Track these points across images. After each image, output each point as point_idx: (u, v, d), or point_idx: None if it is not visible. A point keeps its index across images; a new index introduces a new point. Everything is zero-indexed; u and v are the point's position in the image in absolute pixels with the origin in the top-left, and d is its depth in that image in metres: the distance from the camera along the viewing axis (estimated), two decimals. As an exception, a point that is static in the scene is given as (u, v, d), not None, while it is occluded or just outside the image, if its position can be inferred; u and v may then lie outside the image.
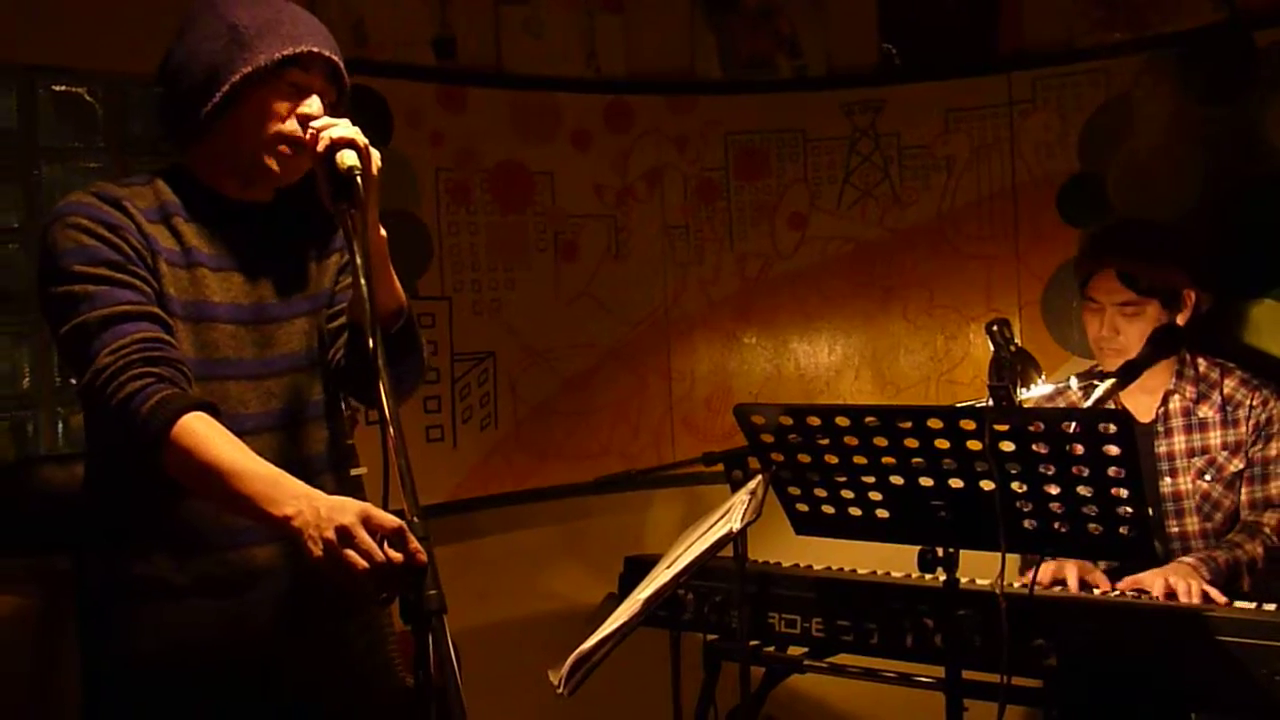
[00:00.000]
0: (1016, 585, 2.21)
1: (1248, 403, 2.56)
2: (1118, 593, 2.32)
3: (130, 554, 1.76)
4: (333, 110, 1.82)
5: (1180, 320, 2.60)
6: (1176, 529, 2.58)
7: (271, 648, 1.81)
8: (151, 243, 1.73)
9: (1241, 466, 2.54)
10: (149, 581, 1.75)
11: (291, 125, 1.76)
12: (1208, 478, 2.56)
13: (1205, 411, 2.58)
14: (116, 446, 1.68)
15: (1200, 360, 2.63)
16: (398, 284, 1.85)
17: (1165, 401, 2.61)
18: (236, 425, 1.69)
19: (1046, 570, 2.49)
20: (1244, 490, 2.54)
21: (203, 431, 1.60)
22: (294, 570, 1.79)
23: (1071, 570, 2.44)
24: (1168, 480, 2.59)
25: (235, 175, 1.82)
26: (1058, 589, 2.43)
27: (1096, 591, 2.37)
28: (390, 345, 1.81)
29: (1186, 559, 2.41)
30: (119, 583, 1.76)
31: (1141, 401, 2.64)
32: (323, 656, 1.87)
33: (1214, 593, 2.25)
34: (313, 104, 1.77)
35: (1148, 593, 2.28)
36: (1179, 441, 2.59)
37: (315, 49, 1.76)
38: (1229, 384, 2.59)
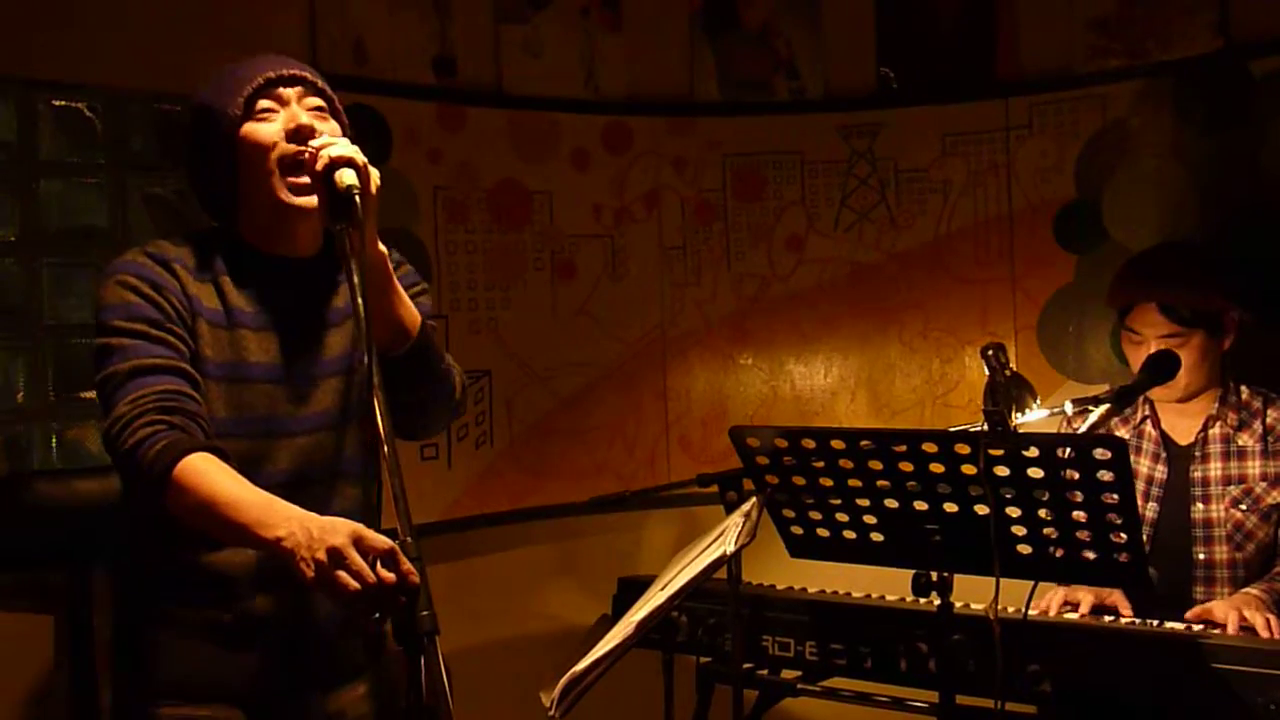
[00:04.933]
0: (1011, 610, 2.21)
1: None
2: (1181, 625, 2.25)
3: (153, 593, 1.82)
4: (333, 114, 1.84)
5: (1226, 343, 2.58)
6: (1203, 556, 2.54)
7: (279, 692, 1.83)
8: (194, 304, 1.78)
9: None
10: (168, 620, 1.81)
11: (281, 147, 1.77)
12: (1243, 507, 2.51)
13: (1245, 440, 2.55)
14: (130, 491, 1.73)
15: (1243, 388, 2.60)
16: (408, 303, 1.83)
17: (1205, 427, 2.58)
18: (267, 481, 1.73)
19: (1058, 595, 2.48)
20: None
21: (202, 468, 1.62)
22: (307, 622, 1.82)
23: (1086, 596, 2.43)
24: (1199, 506, 2.55)
25: (272, 230, 1.84)
26: (1053, 613, 2.43)
27: (1122, 619, 2.36)
28: (403, 367, 1.81)
29: (1251, 589, 2.36)
30: (143, 615, 1.83)
31: (1181, 425, 2.62)
32: (329, 708, 1.88)
33: None
34: (298, 115, 1.78)
35: (1221, 626, 2.23)
36: (1215, 468, 2.56)
37: (271, 73, 1.80)
38: (1272, 414, 2.55)
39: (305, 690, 1.85)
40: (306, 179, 1.75)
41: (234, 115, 1.78)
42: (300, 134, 1.76)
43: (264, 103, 1.79)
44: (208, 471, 1.62)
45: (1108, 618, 2.39)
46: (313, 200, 1.75)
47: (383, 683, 1.95)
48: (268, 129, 1.78)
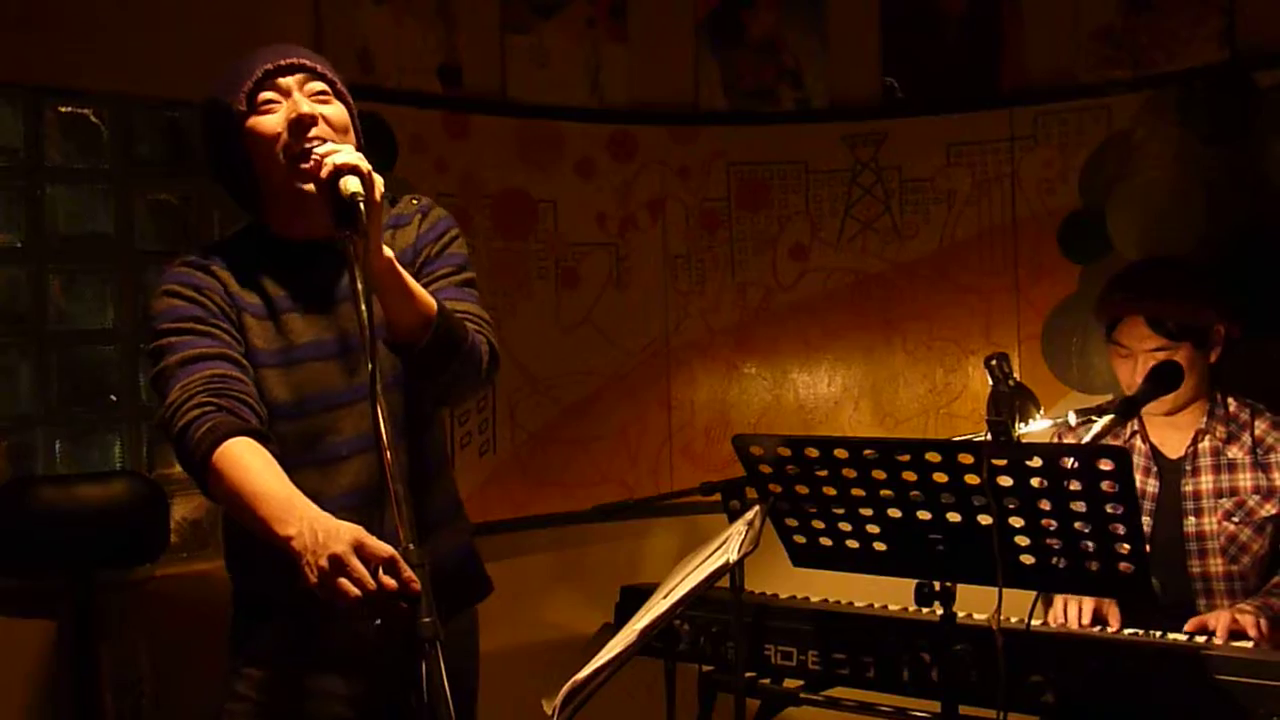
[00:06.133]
0: (1014, 620, 2.20)
1: None
2: (1184, 636, 2.25)
3: (242, 568, 1.94)
4: (337, 95, 1.87)
5: (1213, 356, 2.58)
6: (1198, 569, 2.53)
7: (359, 660, 1.89)
8: (237, 300, 1.85)
9: (1275, 511, 2.49)
10: (254, 592, 1.92)
11: (283, 140, 1.80)
12: (1236, 519, 2.51)
13: (1235, 453, 2.54)
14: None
15: (1231, 400, 2.60)
16: (422, 295, 1.82)
17: (1195, 440, 2.58)
18: (334, 452, 1.83)
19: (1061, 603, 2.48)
20: None
21: (239, 455, 1.66)
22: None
23: (1087, 604, 2.42)
24: (1192, 520, 2.55)
25: (295, 214, 1.88)
26: (1054, 625, 2.42)
27: (1109, 629, 2.36)
28: (426, 356, 1.82)
29: (1245, 604, 2.36)
30: (237, 597, 1.96)
31: (1171, 438, 2.62)
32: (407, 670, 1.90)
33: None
34: (299, 104, 1.82)
35: (1211, 633, 2.24)
36: (1206, 481, 2.55)
37: (269, 64, 1.83)
38: (1260, 425, 2.55)
39: (385, 656, 1.88)
40: (305, 163, 1.78)
41: (239, 110, 1.82)
42: (301, 125, 1.79)
43: (266, 94, 1.82)
44: (242, 458, 1.66)
45: (1110, 628, 2.39)
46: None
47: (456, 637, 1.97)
48: (270, 121, 1.81)
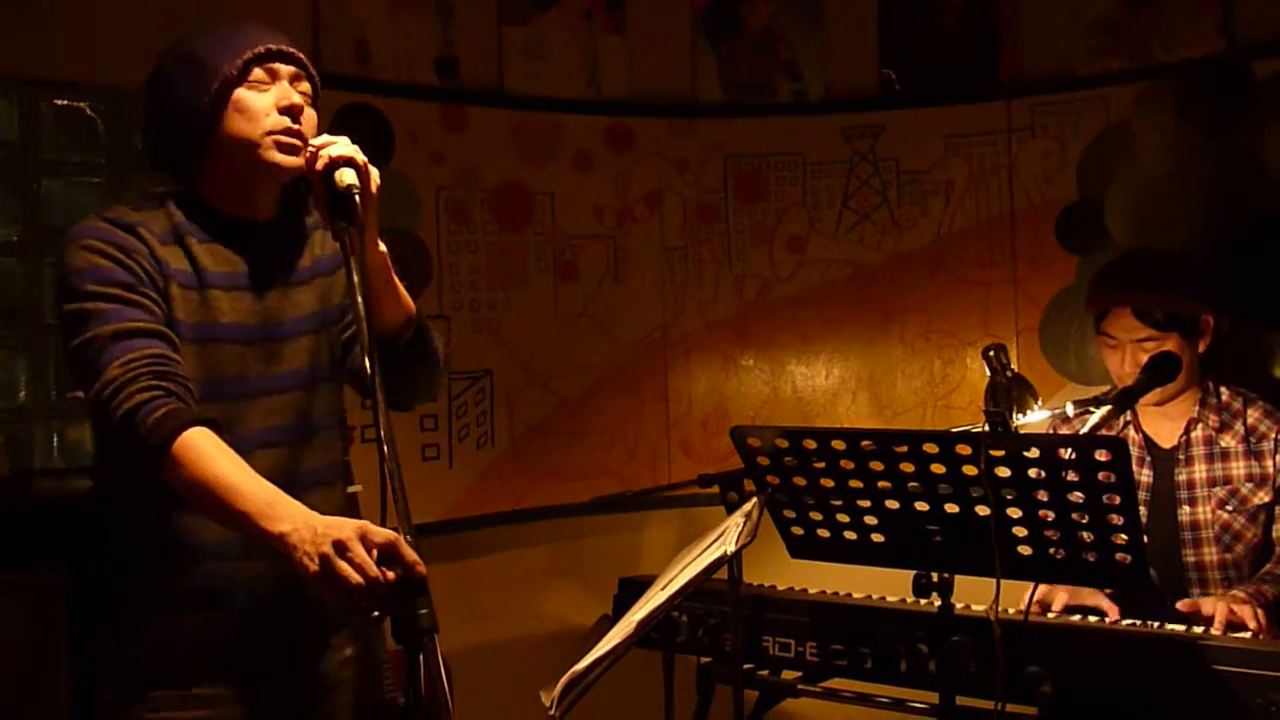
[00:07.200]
0: (1011, 611, 2.20)
1: (1272, 435, 2.53)
2: (1182, 626, 2.25)
3: (130, 564, 1.80)
4: (313, 102, 1.86)
5: (1202, 346, 2.59)
6: (1193, 559, 2.54)
7: (263, 660, 1.82)
8: (163, 266, 1.75)
9: (1268, 500, 2.51)
10: (146, 592, 1.79)
11: (274, 119, 1.78)
12: (1229, 508, 2.52)
13: (1228, 441, 2.55)
14: (120, 457, 1.71)
15: (1223, 389, 2.60)
16: (405, 294, 1.85)
17: (1188, 430, 2.59)
18: (238, 443, 1.71)
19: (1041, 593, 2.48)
20: (1277, 526, 2.51)
21: (203, 446, 1.61)
22: (284, 585, 1.78)
23: (1060, 595, 2.42)
24: (1186, 509, 2.56)
25: (237, 192, 1.83)
26: (1051, 615, 2.42)
27: (1108, 619, 2.37)
28: (402, 354, 1.84)
29: (1237, 592, 2.36)
30: (120, 592, 1.81)
31: (1164, 428, 2.62)
32: (313, 672, 1.87)
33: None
34: (290, 94, 1.79)
35: (1209, 621, 2.24)
36: (1200, 470, 2.56)
37: (273, 45, 1.81)
38: (1252, 414, 2.56)
39: (290, 655, 1.85)
40: (296, 140, 1.77)
41: (229, 76, 1.76)
42: (293, 111, 1.78)
43: (259, 72, 1.79)
44: (207, 448, 1.61)
45: (1107, 619, 2.39)
46: (298, 160, 1.76)
47: (366, 645, 1.95)
48: (262, 99, 1.78)
